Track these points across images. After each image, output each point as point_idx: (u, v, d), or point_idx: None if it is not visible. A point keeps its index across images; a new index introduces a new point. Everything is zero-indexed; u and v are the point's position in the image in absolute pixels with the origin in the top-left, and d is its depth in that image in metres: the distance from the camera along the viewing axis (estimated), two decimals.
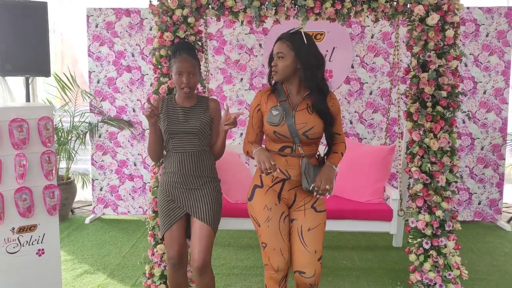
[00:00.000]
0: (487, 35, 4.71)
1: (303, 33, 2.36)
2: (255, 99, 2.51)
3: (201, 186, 2.58)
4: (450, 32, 3.03)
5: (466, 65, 4.73)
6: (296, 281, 2.39)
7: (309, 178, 2.35)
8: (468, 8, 4.69)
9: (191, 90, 2.55)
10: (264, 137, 2.54)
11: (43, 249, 2.82)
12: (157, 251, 3.16)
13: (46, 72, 4.32)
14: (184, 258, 2.66)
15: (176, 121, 2.56)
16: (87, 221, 4.93)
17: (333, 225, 3.65)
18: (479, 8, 4.72)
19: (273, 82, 2.49)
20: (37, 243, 2.81)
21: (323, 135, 2.47)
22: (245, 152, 2.56)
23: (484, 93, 4.78)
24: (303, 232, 2.37)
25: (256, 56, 4.85)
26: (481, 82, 4.77)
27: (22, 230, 2.75)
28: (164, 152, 2.69)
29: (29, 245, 2.78)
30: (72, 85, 5.01)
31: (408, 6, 3.11)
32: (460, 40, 4.61)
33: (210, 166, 2.63)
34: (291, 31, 2.39)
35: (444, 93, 3.05)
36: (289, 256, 2.37)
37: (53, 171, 2.83)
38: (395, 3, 3.10)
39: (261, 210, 2.42)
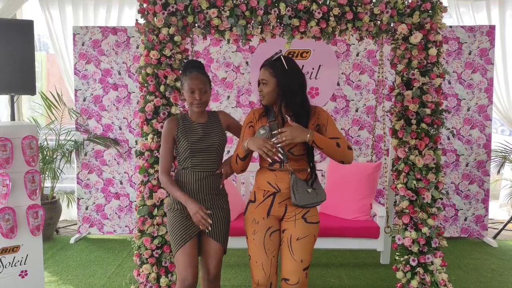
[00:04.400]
0: (469, 53, 4.79)
1: (283, 59, 2.42)
2: (248, 116, 2.59)
3: (213, 204, 2.61)
4: (433, 51, 3.08)
5: (449, 83, 4.80)
6: None
7: (297, 193, 2.41)
8: (450, 27, 4.78)
9: (203, 105, 2.59)
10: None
11: (26, 271, 2.78)
12: (143, 271, 3.12)
13: (31, 91, 4.29)
14: (196, 279, 2.56)
15: (196, 138, 2.57)
16: (72, 240, 4.86)
17: (320, 243, 3.61)
18: (462, 27, 4.81)
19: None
20: (20, 265, 2.76)
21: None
22: (234, 160, 2.53)
23: (468, 110, 4.84)
24: (292, 241, 2.42)
25: (243, 74, 4.88)
26: (464, 99, 4.83)
27: (4, 251, 2.70)
28: (175, 169, 2.70)
29: (11, 266, 2.73)
30: (58, 103, 4.98)
31: (392, 25, 3.16)
32: (444, 58, 4.68)
33: (220, 183, 2.66)
34: (273, 58, 2.44)
35: (428, 111, 3.09)
36: (272, 272, 2.41)
37: (37, 191, 2.80)
38: (379, 22, 3.14)
39: (250, 223, 2.50)
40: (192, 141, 2.55)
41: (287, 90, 2.40)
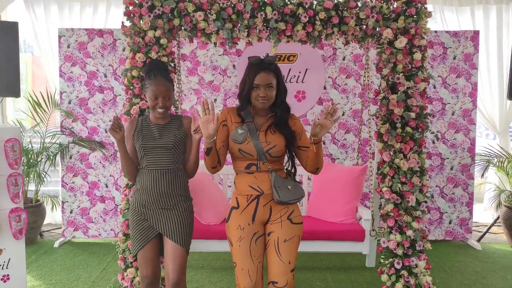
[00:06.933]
0: (454, 58, 4.84)
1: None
2: (222, 115, 2.58)
3: (174, 205, 2.58)
4: (417, 55, 3.12)
5: (434, 87, 4.85)
6: None
7: (279, 190, 2.43)
8: (435, 32, 4.83)
9: (166, 111, 2.60)
10: (231, 157, 2.58)
11: (8, 275, 2.74)
12: (127, 275, 3.10)
13: (16, 93, 4.25)
14: (157, 276, 2.65)
15: (150, 137, 2.58)
16: (56, 244, 4.80)
17: (306, 246, 3.64)
18: (446, 32, 4.86)
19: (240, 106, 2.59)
20: (2, 269, 2.72)
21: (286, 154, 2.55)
22: (204, 158, 2.47)
23: (453, 114, 4.89)
24: (279, 243, 2.42)
25: (230, 77, 4.87)
26: (449, 103, 4.88)
27: None
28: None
29: None
30: (47, 105, 4.92)
31: (377, 30, 3.18)
32: (429, 62, 4.73)
33: (183, 185, 2.64)
34: (268, 61, 2.46)
35: (413, 114, 3.12)
36: (258, 279, 2.40)
37: (20, 194, 2.76)
38: (364, 26, 3.17)
39: (235, 230, 2.47)
40: (145, 140, 2.57)
41: (284, 90, 2.50)
